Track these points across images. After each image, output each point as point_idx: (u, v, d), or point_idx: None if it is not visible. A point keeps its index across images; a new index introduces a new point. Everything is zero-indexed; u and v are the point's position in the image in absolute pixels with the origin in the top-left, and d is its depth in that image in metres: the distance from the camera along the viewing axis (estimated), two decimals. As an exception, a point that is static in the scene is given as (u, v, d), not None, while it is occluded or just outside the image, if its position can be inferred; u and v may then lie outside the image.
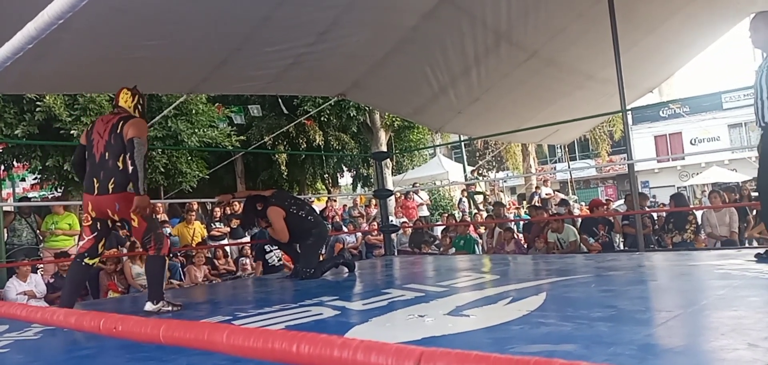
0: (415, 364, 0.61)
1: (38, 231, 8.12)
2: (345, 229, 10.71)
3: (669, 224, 7.51)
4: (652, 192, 24.67)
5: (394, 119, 14.79)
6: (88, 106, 8.80)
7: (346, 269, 5.48)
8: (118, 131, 3.57)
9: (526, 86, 7.74)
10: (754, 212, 7.47)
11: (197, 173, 11.30)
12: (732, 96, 27.01)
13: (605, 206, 9.45)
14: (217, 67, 5.83)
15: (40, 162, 9.34)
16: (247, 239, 9.04)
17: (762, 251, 4.19)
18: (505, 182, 28.56)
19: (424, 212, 14.04)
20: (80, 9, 1.16)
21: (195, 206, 9.01)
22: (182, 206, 9.10)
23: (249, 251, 8.67)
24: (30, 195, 16.02)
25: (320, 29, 5.61)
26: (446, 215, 13.05)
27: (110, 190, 3.54)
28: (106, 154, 3.58)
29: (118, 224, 3.72)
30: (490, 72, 7.28)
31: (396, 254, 8.23)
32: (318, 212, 6.38)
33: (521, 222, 10.84)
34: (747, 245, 7.21)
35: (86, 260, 3.70)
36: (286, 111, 12.79)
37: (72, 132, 8.66)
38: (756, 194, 7.50)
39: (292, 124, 12.81)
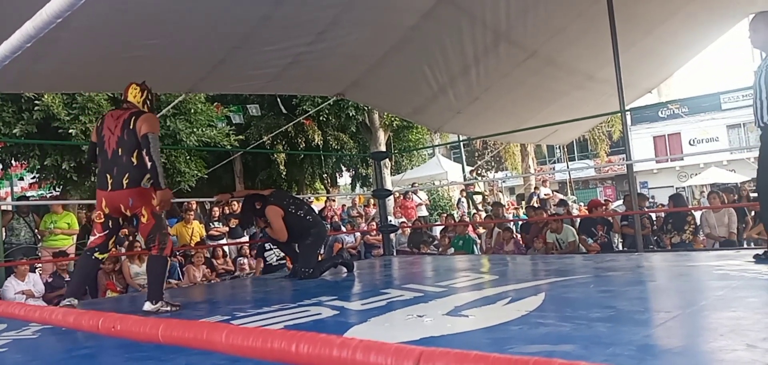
0: (415, 364, 0.60)
1: (36, 230, 8.10)
2: (344, 229, 10.70)
3: (668, 225, 7.52)
4: (650, 193, 24.69)
5: (393, 118, 14.79)
6: (87, 105, 8.78)
7: (344, 269, 5.48)
8: (131, 127, 3.59)
9: (525, 86, 7.74)
10: (753, 212, 7.48)
11: (196, 172, 11.29)
12: (731, 97, 27.04)
13: (604, 207, 9.45)
14: (215, 66, 5.82)
15: (38, 161, 9.33)
16: (246, 238, 9.04)
17: (761, 252, 4.20)
18: (504, 182, 28.57)
19: (423, 212, 14.04)
20: (79, 8, 1.16)
21: (193, 206, 9.00)
22: (180, 205, 9.09)
23: (247, 251, 8.67)
24: (28, 194, 16.01)
25: (319, 29, 5.61)
26: (445, 215, 13.06)
27: (124, 185, 3.56)
28: (119, 150, 3.60)
29: (127, 220, 3.71)
30: (490, 72, 7.28)
31: (395, 254, 8.23)
32: (317, 212, 6.38)
33: (520, 222, 10.84)
34: (746, 245, 7.21)
35: (96, 254, 3.73)
36: (284, 111, 12.78)
37: (70, 131, 8.64)
38: (755, 194, 7.51)
39: (291, 123, 12.80)
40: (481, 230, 10.22)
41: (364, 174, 16.71)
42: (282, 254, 7.27)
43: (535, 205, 12.41)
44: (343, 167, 17.18)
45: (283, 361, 0.64)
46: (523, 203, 15.91)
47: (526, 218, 10.82)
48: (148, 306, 3.65)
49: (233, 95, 11.87)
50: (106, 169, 3.64)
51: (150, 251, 3.69)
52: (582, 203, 16.31)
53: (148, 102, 3.87)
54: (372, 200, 12.51)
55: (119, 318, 0.87)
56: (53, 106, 8.55)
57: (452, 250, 8.94)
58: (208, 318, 3.47)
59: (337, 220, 11.40)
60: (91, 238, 3.81)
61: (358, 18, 5.68)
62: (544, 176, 18.56)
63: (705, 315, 2.63)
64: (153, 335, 0.78)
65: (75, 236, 8.13)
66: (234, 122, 12.48)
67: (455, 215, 14.01)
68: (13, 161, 10.04)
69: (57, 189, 10.92)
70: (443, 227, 10.19)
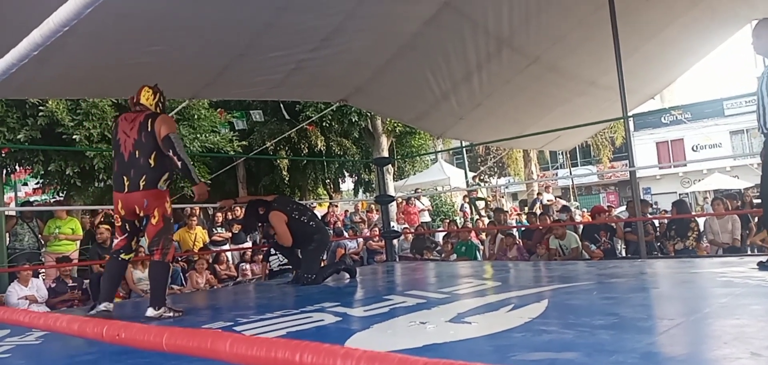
0: (418, 374, 0.60)
1: (40, 236, 8.12)
2: (346, 234, 10.70)
3: (671, 231, 7.50)
4: (653, 199, 24.64)
5: (395, 124, 14.80)
6: (91, 111, 8.80)
7: (347, 275, 5.48)
8: (149, 129, 3.63)
9: (528, 92, 7.75)
10: (756, 219, 7.46)
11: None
12: (734, 103, 26.99)
13: (607, 213, 9.44)
14: (220, 72, 5.84)
15: (42, 167, 9.35)
16: (249, 244, 9.04)
17: (764, 259, 4.18)
18: (506, 188, 28.54)
19: (426, 217, 14.03)
20: (84, 15, 1.17)
21: (197, 211, 9.01)
22: (183, 210, 9.10)
23: (249, 256, 8.67)
24: (31, 199, 16.05)
25: (322, 35, 5.63)
26: (448, 221, 13.06)
27: (141, 187, 3.61)
28: (136, 152, 3.64)
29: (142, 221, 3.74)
30: (492, 78, 7.29)
31: (397, 260, 8.23)
32: (320, 218, 6.38)
33: (522, 228, 10.82)
34: (750, 252, 7.19)
35: (122, 256, 3.79)
36: (288, 116, 12.80)
37: (74, 137, 8.66)
38: (758, 200, 7.49)
39: (294, 129, 12.82)
40: (483, 236, 10.21)
41: (366, 180, 16.71)
42: (284, 259, 7.27)
43: (536, 211, 12.39)
44: (345, 172, 17.18)
45: (287, 371, 0.64)
46: (526, 208, 15.89)
47: (528, 224, 10.81)
48: (150, 312, 3.65)
49: (237, 101, 11.90)
50: (122, 171, 3.68)
51: (152, 256, 3.70)
52: (585, 209, 16.28)
53: (161, 104, 3.91)
54: (375, 206, 12.50)
55: (123, 325, 0.88)
56: (57, 112, 8.57)
57: (455, 256, 8.94)
58: (211, 324, 3.47)
59: (339, 225, 11.40)
60: (115, 241, 3.88)
61: (361, 25, 5.70)
62: (547, 182, 18.51)
63: (709, 323, 2.63)
64: (157, 343, 0.79)
65: (78, 242, 8.14)
66: (237, 127, 12.50)
67: (458, 221, 14.01)
68: (17, 167, 10.06)
69: (61, 194, 10.94)
70: (446, 233, 10.18)
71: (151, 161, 3.62)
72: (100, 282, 3.99)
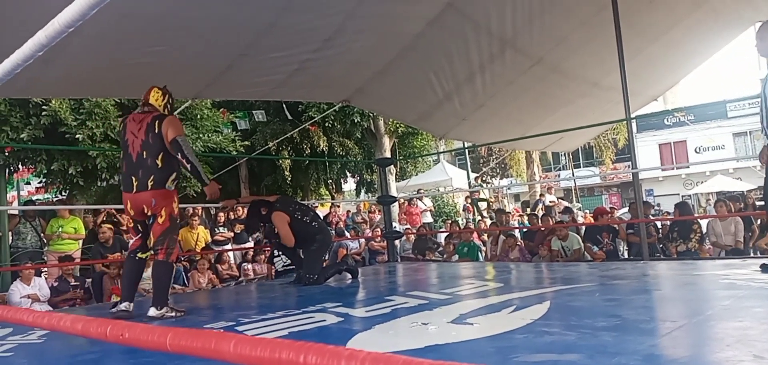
0: (422, 376, 0.60)
1: (43, 235, 8.14)
2: (348, 235, 10.70)
3: (674, 233, 7.49)
4: (656, 200, 24.61)
5: (398, 125, 14.81)
6: (94, 110, 8.81)
7: (349, 276, 5.48)
8: (156, 131, 3.67)
9: (531, 93, 7.74)
10: (759, 221, 7.45)
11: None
12: (737, 105, 26.99)
13: (609, 214, 9.42)
14: (222, 73, 5.85)
15: (45, 166, 9.37)
16: (251, 244, 9.05)
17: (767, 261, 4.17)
18: (509, 189, 28.52)
19: (428, 218, 14.03)
20: (89, 16, 1.17)
21: (199, 211, 9.02)
22: (185, 210, 9.11)
23: (251, 256, 8.68)
24: (34, 198, 16.08)
25: (325, 36, 5.63)
26: (450, 221, 13.04)
27: (149, 187, 3.65)
28: (144, 153, 3.68)
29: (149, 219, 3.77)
30: (495, 79, 7.29)
31: (399, 260, 8.23)
32: (322, 218, 6.38)
33: (524, 230, 10.81)
34: (752, 254, 7.18)
35: (139, 255, 3.83)
36: (290, 117, 12.81)
37: (77, 136, 8.68)
38: (761, 203, 7.47)
39: (297, 130, 12.83)
40: (485, 237, 10.21)
41: (368, 180, 16.72)
42: (288, 260, 7.28)
43: (538, 213, 12.38)
44: (348, 173, 17.20)
45: (291, 372, 0.64)
46: (528, 210, 15.88)
47: (529, 225, 10.80)
48: (152, 311, 3.66)
49: (239, 101, 11.91)
50: (131, 172, 3.72)
51: (156, 255, 3.71)
52: (587, 211, 16.26)
53: (169, 105, 3.96)
54: (377, 207, 12.51)
55: (127, 325, 0.88)
56: (60, 111, 8.59)
57: (457, 257, 8.93)
58: (213, 324, 3.48)
59: (341, 226, 11.41)
60: (130, 242, 3.95)
61: (364, 25, 5.70)
62: (550, 184, 18.50)
63: (711, 325, 2.62)
64: (161, 343, 0.79)
65: (81, 241, 8.16)
66: (240, 127, 12.52)
67: (460, 222, 14.00)
68: (20, 166, 10.07)
69: (63, 194, 10.96)
70: (448, 233, 10.18)
71: (159, 162, 3.66)
72: (122, 280, 4.04)
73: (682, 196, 26.42)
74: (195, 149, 9.94)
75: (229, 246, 8.95)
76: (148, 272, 6.93)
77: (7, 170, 9.59)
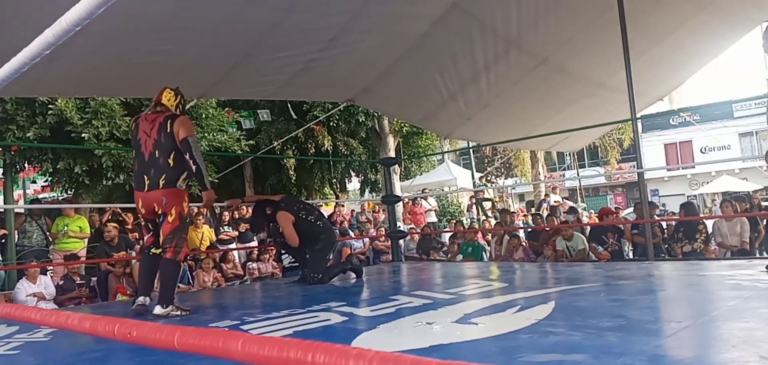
0: (429, 375, 0.61)
1: (48, 233, 8.18)
2: (352, 234, 10.70)
3: (679, 234, 7.46)
4: (661, 201, 24.53)
5: (402, 124, 14.80)
6: (99, 109, 8.85)
7: (353, 275, 5.48)
8: (168, 130, 3.72)
9: (536, 93, 7.73)
10: (765, 221, 7.42)
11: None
12: (743, 105, 26.84)
13: (615, 215, 9.40)
14: (227, 72, 5.86)
15: (51, 165, 9.41)
16: (255, 243, 9.06)
17: (773, 262, 4.16)
18: (513, 189, 28.48)
19: (432, 218, 14.02)
20: (96, 15, 1.18)
21: (203, 210, 9.04)
22: (190, 210, 9.12)
23: (256, 255, 8.69)
24: (40, 197, 16.16)
25: (330, 35, 5.64)
26: (454, 221, 13.04)
27: (161, 185, 3.70)
28: (156, 152, 3.74)
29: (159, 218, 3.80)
30: (500, 79, 7.28)
31: (403, 260, 8.23)
32: (326, 217, 6.39)
33: (528, 229, 10.80)
34: (758, 255, 7.15)
35: (153, 250, 3.88)
36: (295, 116, 12.83)
37: (83, 135, 8.71)
38: (767, 203, 7.43)
39: (301, 129, 12.85)
40: (489, 236, 10.20)
41: (373, 180, 16.73)
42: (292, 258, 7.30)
43: (542, 213, 12.36)
44: (352, 172, 17.20)
45: (298, 370, 0.64)
46: (533, 209, 15.87)
47: (534, 225, 10.79)
48: (158, 309, 3.67)
49: (244, 100, 11.93)
50: (143, 170, 3.77)
51: (164, 253, 3.74)
52: (592, 211, 16.23)
53: (181, 106, 4.02)
54: (381, 206, 12.51)
55: (135, 323, 0.88)
56: (66, 110, 8.62)
57: (461, 257, 8.93)
58: (218, 323, 3.49)
59: (346, 225, 11.41)
60: (145, 238, 4.00)
61: (369, 25, 5.70)
62: (554, 183, 18.47)
63: (717, 326, 2.62)
64: (169, 342, 0.79)
65: (86, 240, 8.19)
66: (245, 127, 12.54)
67: (464, 222, 13.99)
68: (26, 165, 10.12)
69: (69, 192, 11.00)
70: (452, 233, 10.17)
71: (171, 161, 3.71)
72: (140, 276, 4.09)
73: (688, 196, 26.35)
74: (200, 147, 9.95)
75: (233, 245, 8.97)
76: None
77: (13, 169, 9.64)
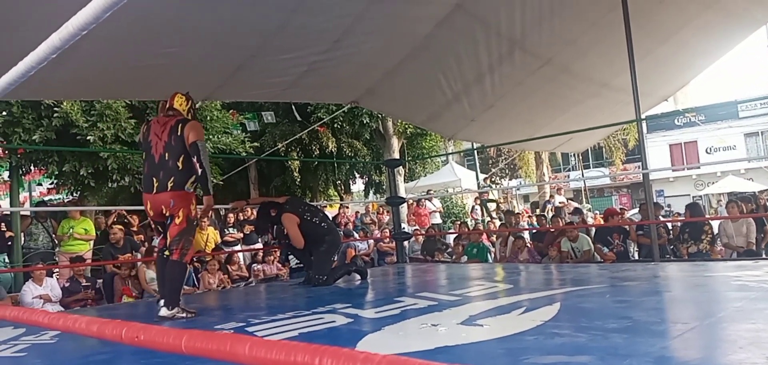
0: (436, 379, 0.61)
1: (54, 235, 8.21)
2: (357, 236, 10.71)
3: (684, 234, 7.43)
4: (666, 201, 24.45)
5: (406, 126, 14.80)
6: (105, 112, 8.87)
7: (358, 277, 5.48)
8: (179, 133, 3.77)
9: (540, 94, 7.71)
10: (772, 222, 7.38)
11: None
12: (748, 105, 26.77)
13: (620, 215, 9.37)
14: (232, 74, 5.88)
15: (56, 167, 9.45)
16: (260, 245, 9.07)
17: (780, 262, 4.14)
18: (518, 190, 28.43)
19: (437, 219, 14.00)
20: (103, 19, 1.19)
21: (208, 213, 9.05)
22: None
23: (261, 256, 8.70)
24: (46, 199, 16.21)
25: (334, 37, 5.64)
26: (459, 223, 13.01)
27: (169, 187, 3.73)
28: (166, 154, 3.77)
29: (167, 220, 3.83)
30: (504, 80, 7.27)
31: (408, 261, 8.22)
32: (331, 219, 6.39)
33: (533, 231, 10.77)
34: (765, 256, 7.11)
35: (166, 253, 3.89)
36: (299, 118, 12.84)
37: (88, 138, 8.75)
38: (773, 204, 7.39)
39: (306, 131, 12.86)
40: (494, 238, 10.18)
41: (377, 181, 16.71)
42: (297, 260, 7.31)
43: (546, 214, 12.34)
44: (356, 174, 17.21)
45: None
46: (538, 210, 15.83)
47: (538, 226, 10.77)
48: (164, 311, 3.68)
49: (249, 102, 11.95)
50: (152, 173, 3.80)
51: (171, 255, 3.75)
52: (597, 212, 16.18)
53: (192, 110, 4.06)
54: (385, 208, 12.51)
55: (143, 327, 0.89)
56: (72, 113, 8.66)
57: (466, 258, 8.91)
58: (223, 325, 3.50)
59: (350, 227, 11.42)
60: (157, 241, 4.07)
61: (373, 27, 5.71)
62: (559, 184, 18.43)
63: (723, 327, 2.61)
64: (176, 345, 0.80)
65: (92, 242, 8.21)
66: (249, 129, 12.55)
67: (469, 223, 13.97)
68: (31, 167, 10.16)
69: (74, 195, 11.04)
70: (457, 234, 10.16)
71: (179, 164, 3.74)
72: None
73: (693, 197, 26.26)
74: (208, 152, 9.98)
75: (239, 247, 8.98)
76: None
77: (19, 171, 9.68)
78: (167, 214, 3.79)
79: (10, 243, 7.75)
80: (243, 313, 4.03)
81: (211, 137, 10.49)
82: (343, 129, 14.10)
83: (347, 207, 12.82)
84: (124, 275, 7.03)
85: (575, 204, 15.29)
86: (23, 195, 14.65)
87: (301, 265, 7.76)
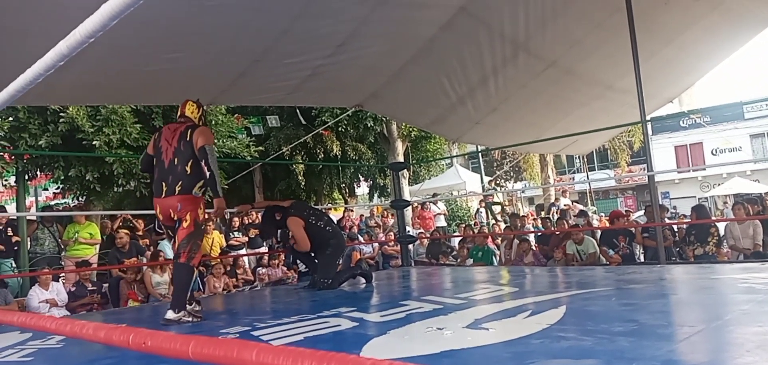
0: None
1: (60, 240, 8.24)
2: (361, 239, 10.71)
3: (690, 237, 7.40)
4: (672, 203, 24.36)
5: (411, 129, 14.80)
6: (110, 117, 8.92)
7: (363, 280, 5.49)
8: (188, 139, 3.84)
9: (545, 96, 7.70)
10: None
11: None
12: (754, 106, 26.63)
13: (625, 218, 9.34)
14: (236, 78, 5.89)
15: (62, 172, 9.50)
16: (265, 249, 9.09)
17: (787, 265, 4.11)
18: (523, 192, 28.38)
19: (441, 222, 13.99)
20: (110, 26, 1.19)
21: (214, 217, 9.08)
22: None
23: (266, 260, 8.72)
24: (51, 203, 16.28)
25: (338, 41, 5.65)
26: (463, 225, 13.00)
27: (177, 192, 3.79)
28: (176, 159, 3.84)
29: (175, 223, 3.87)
30: (508, 82, 7.26)
31: (413, 265, 8.22)
32: (335, 223, 6.40)
33: (538, 233, 10.75)
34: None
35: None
36: (303, 122, 12.86)
37: (94, 143, 8.79)
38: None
39: (310, 135, 12.87)
40: (499, 241, 10.16)
41: (382, 184, 16.71)
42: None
43: (551, 217, 12.31)
44: (361, 177, 17.20)
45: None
46: (542, 213, 15.79)
47: (543, 229, 10.75)
48: (170, 314, 3.69)
49: (253, 106, 11.98)
50: (162, 177, 3.86)
51: (178, 258, 3.77)
52: (603, 214, 16.14)
53: (203, 117, 4.16)
54: (390, 211, 12.51)
55: (150, 333, 0.89)
56: (78, 118, 8.71)
57: (471, 261, 8.90)
58: (229, 329, 3.50)
59: (355, 230, 11.42)
60: (172, 245, 4.14)
61: (377, 31, 5.71)
62: (564, 187, 18.40)
63: (730, 330, 2.59)
64: (183, 351, 0.80)
65: (98, 246, 8.25)
66: (254, 133, 12.59)
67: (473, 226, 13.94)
68: (38, 172, 10.22)
69: (80, 199, 11.09)
70: (462, 237, 10.14)
71: (188, 169, 3.80)
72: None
73: (699, 198, 26.12)
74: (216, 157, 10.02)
75: (244, 251, 9.00)
76: (163, 277, 7.03)
77: (25, 177, 9.74)
78: (175, 218, 3.82)
79: (16, 248, 7.80)
80: (248, 317, 4.04)
81: (215, 141, 10.51)
82: (347, 133, 14.12)
83: (352, 211, 12.84)
84: (130, 279, 7.05)
85: (580, 206, 15.25)
86: (29, 200, 14.73)
87: (303, 272, 7.79)
